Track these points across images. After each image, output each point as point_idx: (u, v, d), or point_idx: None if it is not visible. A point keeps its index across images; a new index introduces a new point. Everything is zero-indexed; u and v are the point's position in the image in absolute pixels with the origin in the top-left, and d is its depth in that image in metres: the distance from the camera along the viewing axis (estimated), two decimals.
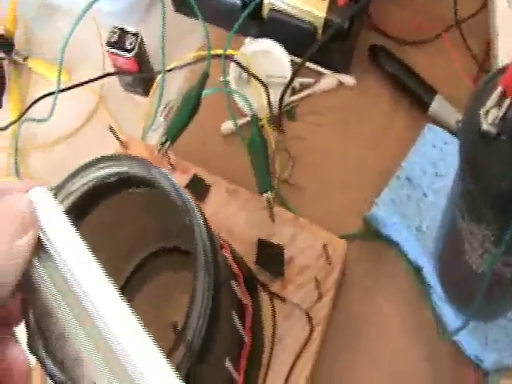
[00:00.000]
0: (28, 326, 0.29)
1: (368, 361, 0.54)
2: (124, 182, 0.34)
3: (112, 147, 0.56)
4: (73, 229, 0.28)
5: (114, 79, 0.66)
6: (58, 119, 0.61)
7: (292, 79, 0.58)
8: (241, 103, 0.59)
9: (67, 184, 0.33)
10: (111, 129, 0.52)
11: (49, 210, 0.28)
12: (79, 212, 0.35)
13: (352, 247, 0.53)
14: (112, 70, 0.64)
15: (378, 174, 0.59)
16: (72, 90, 0.60)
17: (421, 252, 0.54)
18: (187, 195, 0.32)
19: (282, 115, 0.59)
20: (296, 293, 0.50)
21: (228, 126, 0.61)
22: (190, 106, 0.49)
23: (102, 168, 0.33)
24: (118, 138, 0.53)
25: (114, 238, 0.41)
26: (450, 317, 0.53)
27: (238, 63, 0.54)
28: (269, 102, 0.56)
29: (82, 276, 0.27)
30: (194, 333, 0.28)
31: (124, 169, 0.33)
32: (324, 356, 0.51)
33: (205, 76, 0.50)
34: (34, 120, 0.63)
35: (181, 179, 0.53)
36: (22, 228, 0.28)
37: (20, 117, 0.63)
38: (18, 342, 0.29)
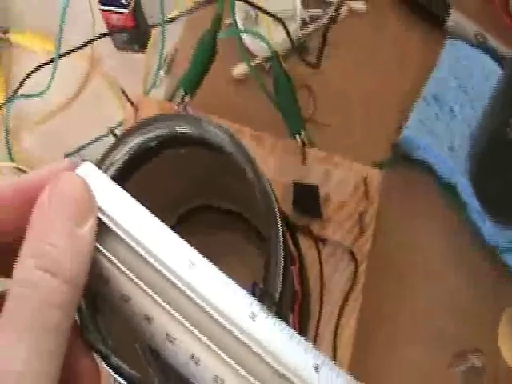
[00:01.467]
0: (83, 320, 0.27)
1: (412, 289, 0.54)
2: (170, 143, 0.32)
3: (110, 114, 0.55)
4: (133, 200, 0.26)
5: (104, 41, 0.61)
6: (49, 93, 0.59)
7: None
8: (251, 45, 0.57)
9: (108, 157, 0.30)
10: (123, 92, 0.50)
11: (102, 187, 0.25)
12: (120, 180, 0.33)
13: (383, 177, 0.51)
14: (104, 30, 0.61)
15: (401, 100, 0.57)
16: (60, 60, 0.57)
17: (455, 170, 0.53)
18: (250, 151, 0.31)
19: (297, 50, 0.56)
20: (336, 231, 0.49)
21: (240, 69, 0.58)
22: (208, 51, 0.47)
23: (145, 133, 0.31)
24: (129, 101, 0.51)
25: (153, 198, 0.40)
26: (491, 233, 0.52)
27: (246, 1, 0.51)
28: (288, 35, 0.53)
29: (158, 248, 0.24)
30: (274, 289, 0.27)
31: (176, 129, 0.31)
32: (371, 291, 0.50)
33: (218, 18, 0.47)
34: (28, 96, 0.60)
35: None
36: (80, 215, 0.24)
37: (13, 95, 0.59)
38: (87, 349, 0.27)
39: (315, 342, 0.46)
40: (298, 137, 0.49)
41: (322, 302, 0.47)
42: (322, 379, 0.22)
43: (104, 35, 0.58)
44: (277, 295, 0.28)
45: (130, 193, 0.26)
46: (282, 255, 0.29)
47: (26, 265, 0.23)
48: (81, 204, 0.24)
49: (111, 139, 0.49)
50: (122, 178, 0.31)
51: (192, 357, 0.23)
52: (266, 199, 0.29)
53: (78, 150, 0.62)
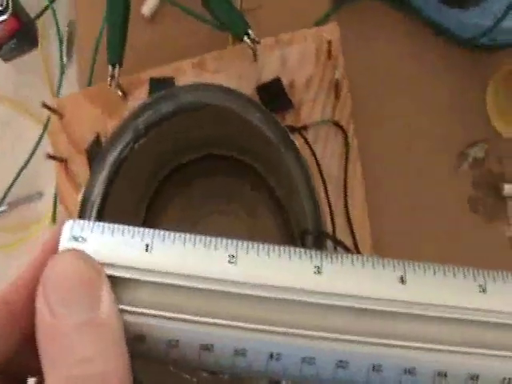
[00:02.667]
0: None
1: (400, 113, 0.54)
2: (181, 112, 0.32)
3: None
4: (130, 231, 0.24)
5: None
6: None
7: None
8: None
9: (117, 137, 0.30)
10: (44, 105, 0.47)
11: (95, 240, 0.23)
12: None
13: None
14: None
15: None
16: None
17: None
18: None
19: None
20: (313, 112, 0.49)
21: (149, 5, 0.55)
22: (121, 10, 0.44)
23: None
24: (53, 110, 0.48)
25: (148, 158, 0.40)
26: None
27: None
28: None
29: (185, 266, 0.23)
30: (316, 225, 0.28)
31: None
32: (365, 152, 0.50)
33: None
34: None
35: (139, 96, 0.48)
36: (91, 295, 0.20)
37: None
38: None
39: (334, 230, 0.46)
40: (247, 38, 0.46)
41: (326, 186, 0.47)
42: (408, 291, 0.23)
43: None
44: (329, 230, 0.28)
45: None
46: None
47: None
48: (85, 283, 0.20)
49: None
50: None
51: (303, 359, 0.23)
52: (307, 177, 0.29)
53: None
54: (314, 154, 0.47)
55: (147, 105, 0.31)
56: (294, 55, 0.48)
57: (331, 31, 0.48)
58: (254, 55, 0.47)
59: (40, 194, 0.58)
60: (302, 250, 0.25)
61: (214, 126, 0.36)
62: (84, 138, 0.46)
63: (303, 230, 0.27)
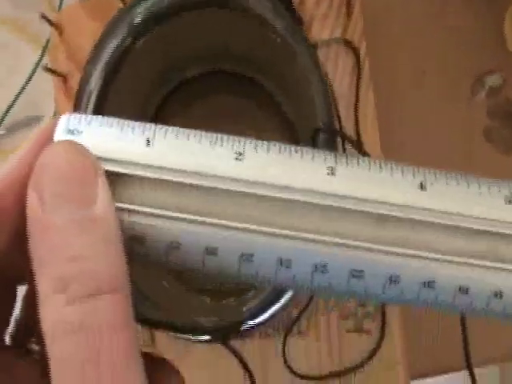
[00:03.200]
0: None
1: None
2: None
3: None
4: (130, 125, 0.22)
5: None
6: None
7: None
8: None
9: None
10: (43, 16, 0.44)
11: (93, 132, 0.21)
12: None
13: None
14: None
15: None
16: None
17: None
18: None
19: None
20: (323, 30, 0.46)
21: None
22: None
23: None
24: (51, 23, 0.45)
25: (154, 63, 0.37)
26: None
27: None
28: None
29: (189, 162, 0.21)
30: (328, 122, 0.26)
31: None
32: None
33: None
34: None
35: None
36: (86, 190, 0.18)
37: None
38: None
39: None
40: None
41: (337, 105, 0.45)
42: (429, 197, 0.22)
43: None
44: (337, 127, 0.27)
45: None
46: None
47: (54, 308, 0.17)
48: (79, 176, 0.19)
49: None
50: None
51: (315, 267, 0.21)
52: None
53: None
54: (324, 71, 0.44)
55: None
56: None
57: None
58: None
59: (39, 118, 0.56)
60: (315, 150, 0.23)
61: (221, 31, 0.34)
62: (84, 53, 0.43)
63: (314, 128, 0.25)
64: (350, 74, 0.46)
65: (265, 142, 0.23)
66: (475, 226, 0.22)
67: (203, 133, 0.23)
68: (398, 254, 0.22)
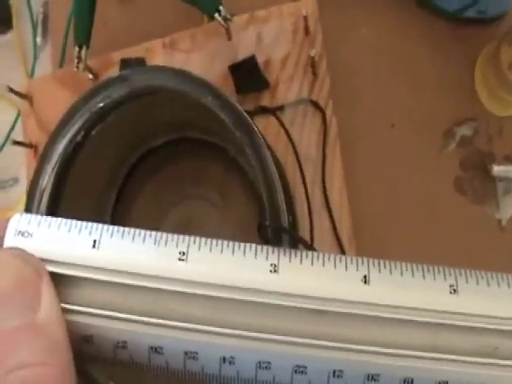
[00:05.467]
0: None
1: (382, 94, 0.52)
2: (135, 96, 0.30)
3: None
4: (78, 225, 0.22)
5: None
6: None
7: None
8: None
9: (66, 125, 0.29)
10: (10, 89, 0.45)
11: (41, 235, 0.22)
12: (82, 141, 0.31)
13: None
14: None
15: None
16: None
17: None
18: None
19: None
20: (289, 90, 0.47)
21: None
22: None
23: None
24: (20, 94, 0.46)
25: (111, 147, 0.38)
26: None
27: None
28: None
29: (132, 262, 0.22)
30: (284, 221, 0.27)
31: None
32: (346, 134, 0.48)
33: None
34: None
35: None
36: (31, 296, 0.19)
37: None
38: None
39: (310, 216, 0.45)
40: (218, 16, 0.43)
41: (302, 170, 0.45)
42: (372, 289, 0.22)
43: None
44: (287, 224, 0.27)
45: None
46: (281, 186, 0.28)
47: None
48: (23, 285, 0.19)
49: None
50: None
51: (259, 364, 0.22)
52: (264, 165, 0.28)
53: None
54: (289, 136, 0.45)
55: (97, 89, 0.30)
56: (270, 32, 0.47)
57: (308, 6, 0.46)
58: (228, 33, 0.45)
59: (15, 180, 0.57)
60: (259, 247, 0.23)
61: (175, 109, 0.35)
62: (54, 122, 0.44)
63: (259, 221, 0.25)
64: (318, 134, 0.46)
65: (208, 240, 0.23)
66: (419, 319, 0.22)
67: (148, 232, 0.23)
68: (340, 349, 0.22)
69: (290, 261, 0.23)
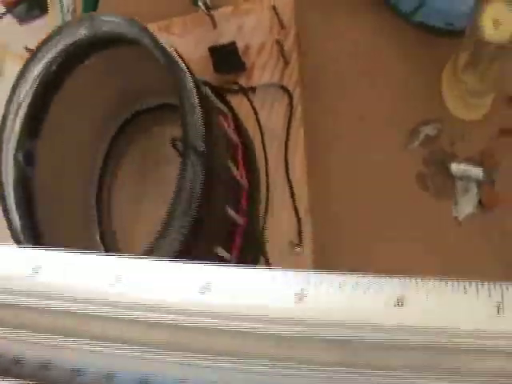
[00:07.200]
0: None
1: (350, 92, 0.56)
2: (100, 43, 0.36)
3: None
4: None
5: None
6: None
7: None
8: None
9: (39, 53, 0.34)
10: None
11: None
12: (55, 81, 0.37)
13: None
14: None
15: None
16: None
17: None
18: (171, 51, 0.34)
19: None
20: (263, 74, 0.53)
21: None
22: None
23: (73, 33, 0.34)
24: None
25: (94, 102, 0.44)
26: None
27: None
28: None
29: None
30: (196, 139, 0.30)
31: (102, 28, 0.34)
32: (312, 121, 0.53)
33: None
34: None
35: None
36: None
37: None
38: None
39: (268, 189, 0.50)
40: (201, 4, 0.50)
41: (265, 147, 0.51)
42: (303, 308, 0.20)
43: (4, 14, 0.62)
44: (201, 146, 0.31)
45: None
46: (199, 105, 0.32)
47: None
48: None
49: None
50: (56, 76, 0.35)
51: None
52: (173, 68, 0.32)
53: None
54: (256, 114, 0.51)
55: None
56: (251, 23, 0.53)
57: (285, 4, 0.52)
58: (213, 22, 0.52)
59: None
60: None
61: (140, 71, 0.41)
62: None
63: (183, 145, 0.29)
64: (284, 117, 0.52)
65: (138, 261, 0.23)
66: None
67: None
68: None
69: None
